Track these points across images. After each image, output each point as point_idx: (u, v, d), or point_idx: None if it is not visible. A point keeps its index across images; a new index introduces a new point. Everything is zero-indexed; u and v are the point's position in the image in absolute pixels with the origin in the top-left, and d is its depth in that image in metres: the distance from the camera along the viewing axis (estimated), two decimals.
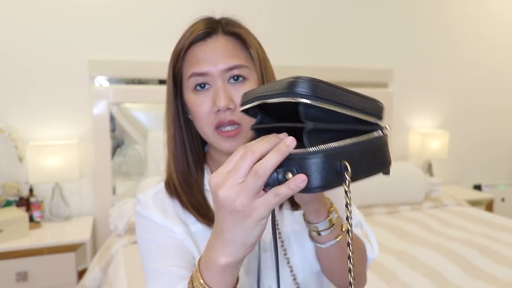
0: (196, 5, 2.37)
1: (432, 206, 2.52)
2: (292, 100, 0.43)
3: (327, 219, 0.61)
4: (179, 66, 0.71)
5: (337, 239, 0.64)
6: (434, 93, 3.08)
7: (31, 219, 2.05)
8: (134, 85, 2.35)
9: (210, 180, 0.45)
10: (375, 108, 0.48)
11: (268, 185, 0.44)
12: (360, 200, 2.18)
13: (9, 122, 2.11)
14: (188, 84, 0.69)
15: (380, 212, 2.39)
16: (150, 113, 2.33)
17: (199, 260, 0.52)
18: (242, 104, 0.54)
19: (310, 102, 0.42)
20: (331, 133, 0.44)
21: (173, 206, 0.73)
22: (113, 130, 2.30)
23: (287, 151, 0.42)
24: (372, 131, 0.47)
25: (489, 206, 2.91)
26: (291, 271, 0.73)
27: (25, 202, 2.07)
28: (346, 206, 0.43)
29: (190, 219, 0.72)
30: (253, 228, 0.45)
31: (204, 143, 0.78)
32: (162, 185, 0.76)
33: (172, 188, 0.74)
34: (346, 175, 0.42)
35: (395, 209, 2.44)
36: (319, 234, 0.62)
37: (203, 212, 0.71)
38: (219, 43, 0.68)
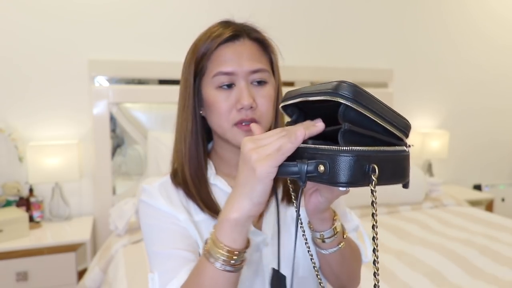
0: (196, 6, 2.37)
1: (432, 206, 2.52)
2: (335, 99, 0.48)
3: (332, 227, 0.67)
4: (203, 64, 0.73)
5: (340, 246, 0.69)
6: (434, 93, 3.08)
7: (31, 219, 2.05)
8: (134, 85, 2.35)
9: (245, 140, 0.53)
10: (403, 125, 0.52)
11: (297, 174, 0.50)
12: (360, 200, 2.18)
13: (9, 122, 2.11)
14: (212, 81, 0.72)
15: (380, 212, 2.39)
16: (150, 113, 2.33)
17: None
18: (284, 100, 0.58)
19: (351, 105, 0.47)
20: (362, 137, 0.49)
21: (177, 196, 0.76)
22: (113, 130, 2.30)
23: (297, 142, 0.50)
24: (398, 145, 0.51)
25: (489, 206, 2.91)
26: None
27: (25, 202, 2.07)
28: (372, 204, 0.48)
29: (193, 208, 0.75)
30: (257, 184, 0.50)
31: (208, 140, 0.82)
32: (167, 178, 0.79)
33: (180, 179, 0.77)
34: (373, 177, 0.46)
35: (395, 209, 2.44)
36: (323, 241, 0.67)
37: (209, 203, 0.74)
38: (245, 47, 0.72)
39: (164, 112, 2.29)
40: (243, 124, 0.70)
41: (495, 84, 3.26)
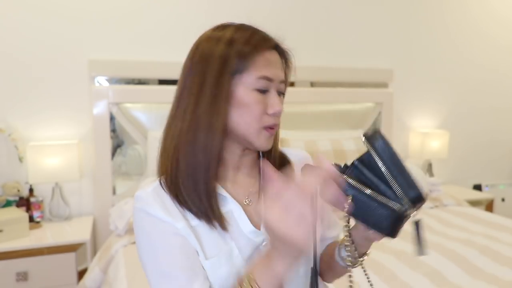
0: (196, 6, 2.37)
1: (432, 206, 2.52)
2: (365, 145, 0.59)
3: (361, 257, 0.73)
4: (243, 64, 0.71)
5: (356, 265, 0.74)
6: (434, 93, 3.08)
7: (31, 219, 2.05)
8: (134, 85, 2.35)
9: (267, 217, 0.53)
10: (413, 194, 0.57)
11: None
12: None
13: (9, 122, 2.11)
14: (254, 83, 0.72)
15: None
16: (150, 113, 2.32)
17: (253, 266, 0.61)
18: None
19: (374, 156, 0.58)
20: (368, 180, 0.59)
21: (171, 202, 0.73)
22: (113, 130, 2.30)
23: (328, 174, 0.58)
24: (397, 203, 0.57)
25: (489, 206, 2.91)
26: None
27: (25, 202, 2.07)
28: (345, 226, 0.61)
29: (188, 213, 0.72)
30: (303, 248, 0.53)
31: None
32: (156, 184, 0.75)
33: (181, 184, 0.72)
34: (345, 205, 0.58)
35: None
36: (345, 257, 0.72)
37: (215, 210, 0.72)
38: (278, 57, 0.77)
39: (164, 112, 2.24)
40: (270, 128, 0.74)
41: (495, 83, 3.26)
